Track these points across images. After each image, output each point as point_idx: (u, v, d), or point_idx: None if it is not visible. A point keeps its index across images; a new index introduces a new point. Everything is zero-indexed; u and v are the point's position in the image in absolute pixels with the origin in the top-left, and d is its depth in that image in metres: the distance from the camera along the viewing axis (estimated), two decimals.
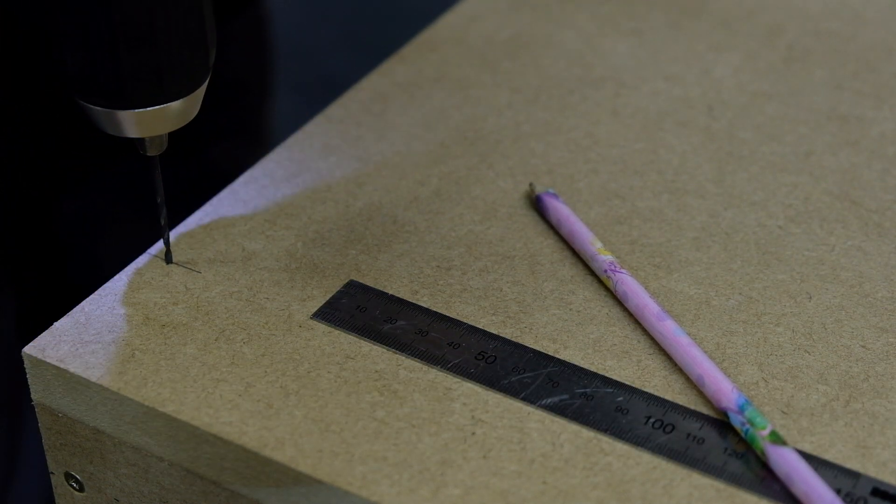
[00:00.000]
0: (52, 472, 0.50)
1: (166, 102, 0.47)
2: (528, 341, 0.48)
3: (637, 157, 0.58)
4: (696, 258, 0.53)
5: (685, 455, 0.44)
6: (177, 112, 0.48)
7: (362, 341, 0.48)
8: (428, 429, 0.45)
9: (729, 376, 0.47)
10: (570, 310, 0.50)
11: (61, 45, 0.46)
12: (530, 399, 0.46)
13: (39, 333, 0.48)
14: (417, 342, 0.48)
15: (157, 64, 0.46)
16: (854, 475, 0.43)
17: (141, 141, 0.49)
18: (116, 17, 0.45)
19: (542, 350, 0.48)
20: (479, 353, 0.48)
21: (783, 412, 0.46)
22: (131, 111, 0.47)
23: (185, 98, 0.48)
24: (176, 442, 0.46)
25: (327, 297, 0.50)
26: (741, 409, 0.44)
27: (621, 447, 0.44)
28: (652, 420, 0.45)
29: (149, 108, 0.47)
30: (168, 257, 0.51)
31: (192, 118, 0.49)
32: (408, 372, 0.47)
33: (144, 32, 0.45)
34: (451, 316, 0.49)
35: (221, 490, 0.46)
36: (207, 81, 0.49)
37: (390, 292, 0.50)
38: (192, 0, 0.46)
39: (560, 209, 0.54)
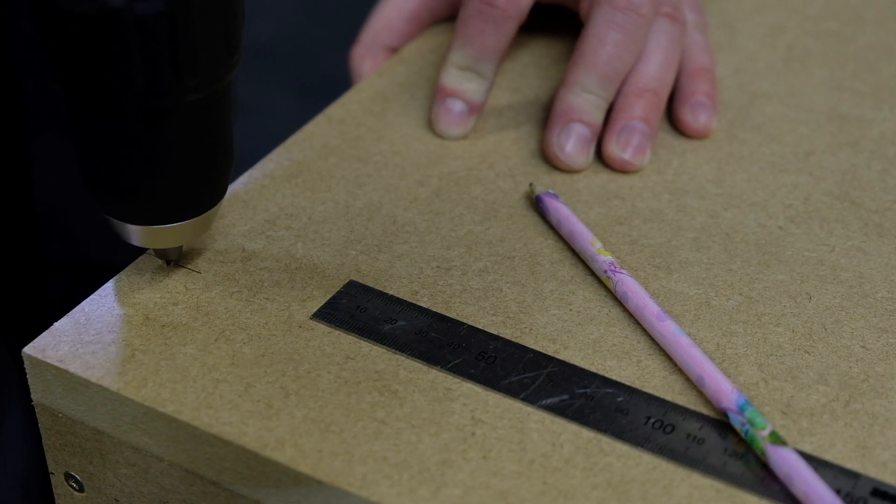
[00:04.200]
0: (52, 473, 0.50)
1: (178, 222, 0.48)
2: (529, 342, 0.48)
3: None
4: (696, 258, 0.53)
5: (685, 455, 0.44)
6: (188, 229, 0.48)
7: (362, 341, 0.48)
8: (428, 429, 0.45)
9: (729, 377, 0.47)
10: (570, 310, 0.50)
11: (81, 156, 0.47)
12: (530, 399, 0.46)
13: (28, 338, 0.48)
14: (417, 342, 0.48)
15: (169, 188, 0.47)
16: (854, 475, 0.43)
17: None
18: (130, 145, 0.45)
19: (542, 350, 0.48)
20: (479, 354, 0.48)
21: (783, 412, 0.46)
22: (141, 227, 0.48)
23: (198, 217, 0.48)
24: (176, 442, 0.46)
25: (327, 298, 0.50)
26: (741, 410, 0.44)
27: (621, 447, 0.44)
28: (652, 420, 0.45)
29: (160, 227, 0.48)
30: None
31: (205, 232, 0.50)
32: (408, 372, 0.47)
33: (159, 161, 0.46)
34: (451, 316, 0.49)
35: (221, 490, 0.46)
36: (223, 199, 0.49)
37: (390, 293, 0.50)
38: (211, 131, 0.46)
39: (560, 209, 0.54)
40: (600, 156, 0.58)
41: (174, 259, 0.50)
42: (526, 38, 0.66)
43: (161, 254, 0.50)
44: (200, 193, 0.48)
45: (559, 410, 0.46)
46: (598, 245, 0.51)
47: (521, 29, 0.62)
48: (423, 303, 0.50)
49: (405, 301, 0.50)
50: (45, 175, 0.75)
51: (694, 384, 0.47)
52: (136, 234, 0.48)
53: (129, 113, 0.44)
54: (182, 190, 0.47)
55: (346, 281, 0.51)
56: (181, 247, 0.50)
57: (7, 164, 0.73)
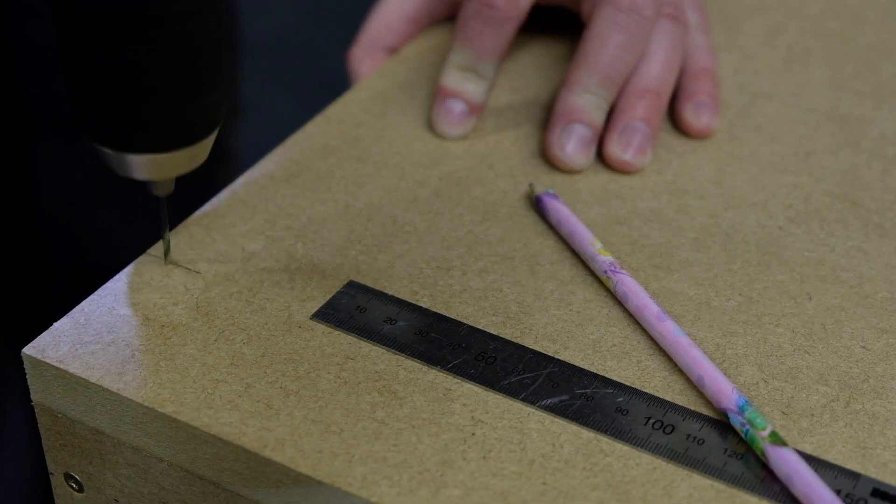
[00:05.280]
0: (51, 473, 0.50)
1: (175, 149, 0.47)
2: (529, 342, 0.48)
3: None
4: (696, 259, 0.53)
5: (685, 456, 0.44)
6: (185, 157, 0.48)
7: (362, 342, 0.48)
8: (428, 429, 0.45)
9: (729, 377, 0.47)
10: (570, 310, 0.50)
11: (73, 84, 0.46)
12: (530, 400, 0.46)
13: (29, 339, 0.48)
14: (417, 343, 0.48)
15: (166, 112, 0.46)
16: (854, 476, 0.43)
17: (149, 181, 0.49)
18: (125, 65, 0.45)
19: (542, 351, 0.48)
20: (479, 354, 0.48)
21: (783, 413, 0.46)
22: (139, 155, 0.47)
23: (195, 144, 0.48)
24: (175, 442, 0.46)
25: (327, 298, 0.50)
26: (741, 410, 0.44)
27: (621, 448, 0.44)
28: (652, 421, 0.45)
29: (157, 154, 0.47)
30: (167, 255, 0.51)
31: (202, 162, 0.49)
32: (408, 372, 0.47)
33: (155, 81, 0.45)
34: (451, 316, 0.49)
35: (221, 491, 0.46)
36: (219, 127, 0.49)
37: (390, 293, 0.50)
38: (205, 48, 0.46)
39: (560, 209, 0.53)
40: (601, 156, 0.58)
41: (166, 193, 0.49)
42: (526, 38, 0.66)
43: (154, 187, 0.49)
44: (194, 117, 0.47)
45: (559, 410, 0.46)
46: (598, 245, 0.51)
47: (522, 29, 0.62)
48: (423, 303, 0.50)
49: (405, 301, 0.50)
50: (49, 179, 0.75)
51: (694, 384, 0.47)
52: (131, 164, 0.47)
53: (124, 25, 0.44)
54: (175, 112, 0.46)
55: (346, 281, 0.51)
56: (173, 181, 0.49)
57: (12, 168, 0.73)
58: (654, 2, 0.58)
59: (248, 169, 0.57)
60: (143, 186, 0.49)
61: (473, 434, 0.45)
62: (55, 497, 0.51)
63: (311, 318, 0.49)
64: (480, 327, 0.49)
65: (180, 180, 0.49)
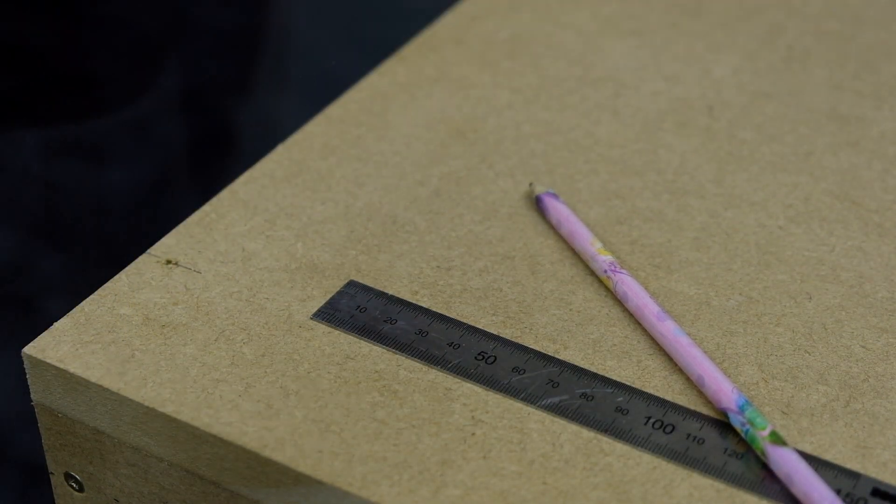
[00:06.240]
0: (51, 473, 0.50)
1: None
2: (529, 342, 0.48)
3: (637, 157, 0.58)
4: (696, 258, 0.53)
5: (685, 455, 0.44)
6: None
7: (362, 341, 0.48)
8: (428, 429, 0.45)
9: (729, 376, 0.47)
10: (571, 310, 0.50)
11: None
12: (530, 399, 0.46)
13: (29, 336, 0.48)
14: (417, 342, 0.48)
15: None
16: (854, 475, 0.43)
17: None
18: None
19: (542, 350, 0.48)
20: (479, 354, 0.48)
21: (783, 412, 0.46)
22: None
23: None
24: (176, 442, 0.46)
25: (327, 297, 0.50)
26: (741, 410, 0.44)
27: (621, 447, 0.44)
28: (652, 420, 0.45)
29: None
30: None
31: None
32: (408, 372, 0.47)
33: None
34: (451, 316, 0.49)
35: (221, 490, 0.46)
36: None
37: (390, 292, 0.50)
38: None
39: (560, 209, 0.54)
40: (600, 156, 0.58)
41: None
42: (527, 37, 0.66)
43: None
44: None
45: (559, 410, 0.46)
46: (598, 245, 0.51)
47: (524, 28, 0.62)
48: (423, 303, 0.50)
49: (405, 301, 0.50)
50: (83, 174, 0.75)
51: (694, 384, 0.47)
52: None
53: None
54: None
55: (346, 281, 0.51)
56: None
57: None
58: None
59: (248, 169, 0.57)
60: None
61: (473, 434, 0.45)
62: (55, 497, 0.51)
63: (311, 318, 0.49)
64: (480, 327, 0.49)
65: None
